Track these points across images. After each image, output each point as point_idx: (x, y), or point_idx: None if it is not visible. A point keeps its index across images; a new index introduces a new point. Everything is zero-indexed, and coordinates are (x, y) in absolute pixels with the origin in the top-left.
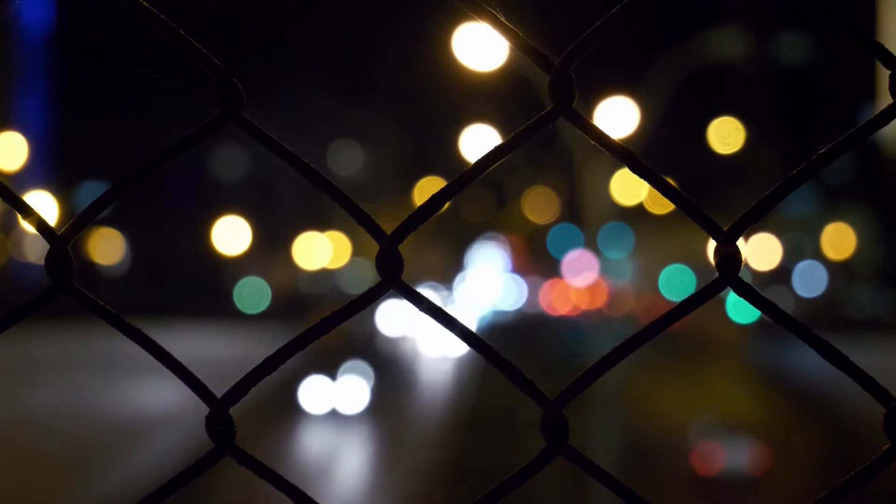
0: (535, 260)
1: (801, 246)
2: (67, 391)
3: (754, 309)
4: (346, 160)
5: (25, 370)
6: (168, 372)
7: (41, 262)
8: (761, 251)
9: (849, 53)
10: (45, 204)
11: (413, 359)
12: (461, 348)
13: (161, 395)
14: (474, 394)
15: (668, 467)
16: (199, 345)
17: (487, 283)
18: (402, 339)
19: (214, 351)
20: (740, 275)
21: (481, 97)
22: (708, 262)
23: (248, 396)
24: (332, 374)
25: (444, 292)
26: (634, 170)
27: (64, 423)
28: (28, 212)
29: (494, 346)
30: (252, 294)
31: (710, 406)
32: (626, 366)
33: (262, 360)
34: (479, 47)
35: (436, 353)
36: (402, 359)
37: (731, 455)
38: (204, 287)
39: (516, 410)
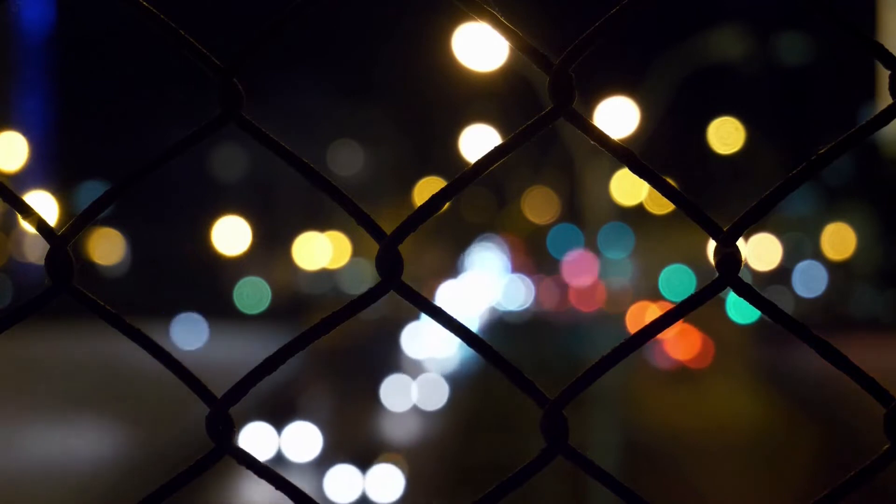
0: (535, 260)
1: (801, 246)
2: None
3: (754, 309)
4: (346, 160)
5: None
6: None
7: (41, 262)
8: (761, 251)
9: (849, 53)
10: (45, 204)
11: None
12: None
13: None
14: None
15: (668, 467)
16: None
17: (487, 284)
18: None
19: (213, 351)
20: (740, 275)
21: (481, 97)
22: (708, 262)
23: None
24: None
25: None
26: (634, 170)
27: None
28: (28, 212)
29: (494, 345)
30: (252, 294)
31: (710, 406)
32: (625, 365)
33: (261, 361)
34: (479, 47)
35: None
36: None
37: None
38: (204, 287)
39: None
